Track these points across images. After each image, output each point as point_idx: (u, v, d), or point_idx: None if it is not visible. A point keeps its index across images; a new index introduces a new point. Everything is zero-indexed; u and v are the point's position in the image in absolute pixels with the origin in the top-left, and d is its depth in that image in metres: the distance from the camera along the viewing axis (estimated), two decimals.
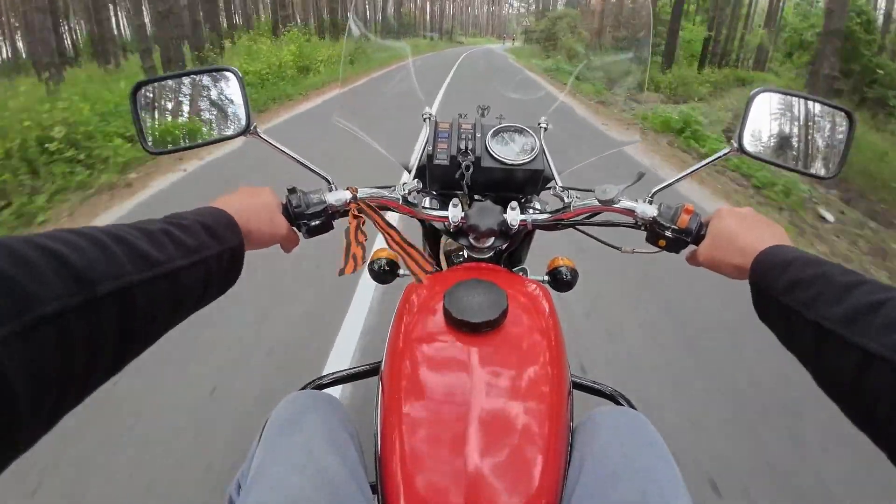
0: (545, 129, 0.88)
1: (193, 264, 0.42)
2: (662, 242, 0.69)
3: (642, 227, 0.72)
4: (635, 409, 0.71)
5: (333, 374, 0.90)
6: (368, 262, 0.94)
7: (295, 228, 0.69)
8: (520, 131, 0.85)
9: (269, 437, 0.59)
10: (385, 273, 0.96)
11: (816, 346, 0.42)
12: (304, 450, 0.56)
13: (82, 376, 0.31)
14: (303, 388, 0.82)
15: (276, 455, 0.56)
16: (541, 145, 0.83)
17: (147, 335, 0.38)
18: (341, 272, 0.67)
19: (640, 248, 0.77)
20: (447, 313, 0.63)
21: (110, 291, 0.33)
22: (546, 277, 0.95)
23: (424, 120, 0.89)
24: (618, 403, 0.85)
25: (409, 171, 0.84)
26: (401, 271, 0.96)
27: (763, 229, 0.58)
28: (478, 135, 0.83)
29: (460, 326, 0.62)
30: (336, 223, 0.73)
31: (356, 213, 0.71)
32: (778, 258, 0.50)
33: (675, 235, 0.67)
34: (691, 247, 0.68)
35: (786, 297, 0.46)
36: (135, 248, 0.37)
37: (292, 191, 0.69)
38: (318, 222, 0.69)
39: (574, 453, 0.60)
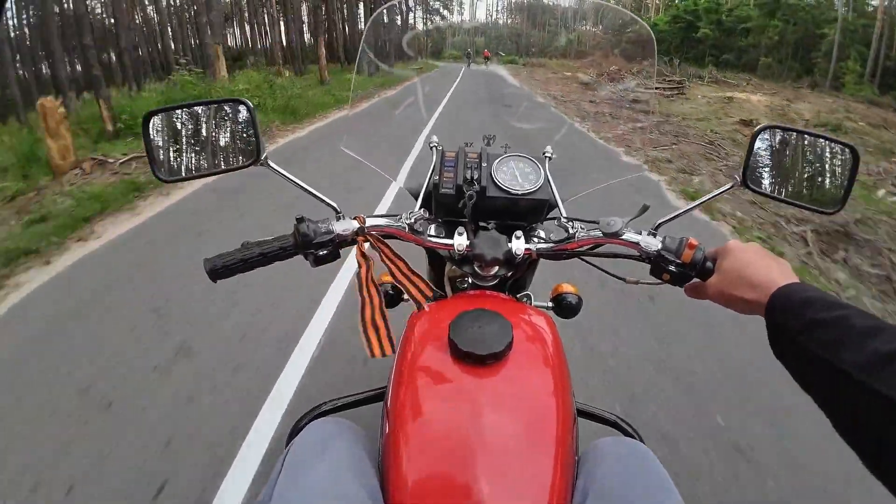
0: (550, 158, 0.89)
1: None
2: (667, 276, 0.69)
3: (646, 260, 0.72)
4: (639, 438, 0.70)
5: (338, 399, 0.90)
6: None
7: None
8: (525, 161, 0.86)
9: (292, 465, 0.58)
10: (390, 298, 0.96)
11: (836, 389, 0.41)
12: (328, 477, 0.55)
13: None
14: (308, 413, 0.82)
15: (298, 482, 0.55)
16: (545, 175, 0.84)
17: None
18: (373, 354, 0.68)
19: (644, 279, 0.76)
20: (452, 344, 0.63)
21: None
22: (550, 304, 0.95)
23: (431, 149, 0.90)
24: (622, 431, 0.84)
25: (416, 199, 0.84)
26: (405, 296, 0.96)
27: (772, 265, 0.57)
28: (483, 164, 0.83)
29: (465, 358, 0.62)
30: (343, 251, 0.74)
31: (363, 251, 0.71)
32: (795, 297, 0.50)
33: (679, 270, 0.67)
34: (695, 279, 0.68)
35: (804, 337, 0.45)
36: None
37: (300, 220, 0.69)
38: (324, 252, 0.70)
39: (578, 483, 0.59)
